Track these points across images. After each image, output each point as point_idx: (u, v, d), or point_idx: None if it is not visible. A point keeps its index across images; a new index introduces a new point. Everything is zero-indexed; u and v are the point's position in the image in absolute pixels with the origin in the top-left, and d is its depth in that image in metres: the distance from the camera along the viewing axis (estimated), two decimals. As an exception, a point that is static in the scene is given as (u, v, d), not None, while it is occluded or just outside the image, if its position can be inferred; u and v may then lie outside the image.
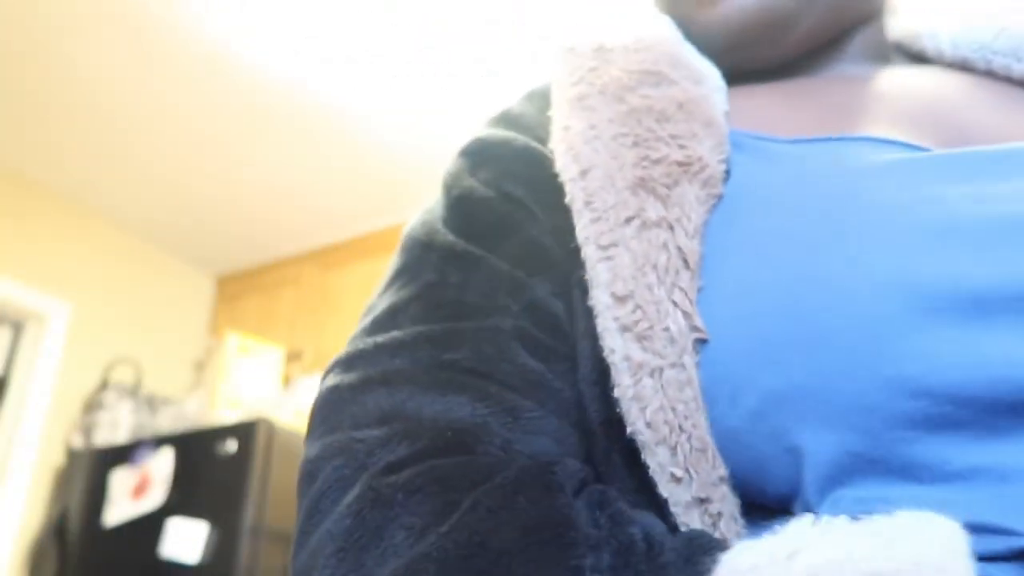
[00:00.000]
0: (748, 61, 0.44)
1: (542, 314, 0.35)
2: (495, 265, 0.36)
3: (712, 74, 0.41)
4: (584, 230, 0.34)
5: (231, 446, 2.20)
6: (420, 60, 2.31)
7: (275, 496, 2.18)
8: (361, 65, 2.32)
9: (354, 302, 2.94)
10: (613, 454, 0.32)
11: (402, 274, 0.37)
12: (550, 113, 0.41)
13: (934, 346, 0.27)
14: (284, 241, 3.22)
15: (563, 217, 0.36)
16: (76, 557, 2.33)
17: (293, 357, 2.91)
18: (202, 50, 2.27)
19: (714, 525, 0.30)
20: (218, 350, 2.61)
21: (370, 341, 0.34)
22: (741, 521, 0.31)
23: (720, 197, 0.35)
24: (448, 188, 0.41)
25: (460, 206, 0.39)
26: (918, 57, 0.47)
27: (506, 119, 0.43)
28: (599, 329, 0.32)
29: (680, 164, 0.35)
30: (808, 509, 0.29)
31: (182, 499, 2.20)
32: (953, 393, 0.26)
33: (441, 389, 0.32)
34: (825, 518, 0.24)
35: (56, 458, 2.70)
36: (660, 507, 0.31)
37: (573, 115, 0.38)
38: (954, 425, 0.26)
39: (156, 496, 2.24)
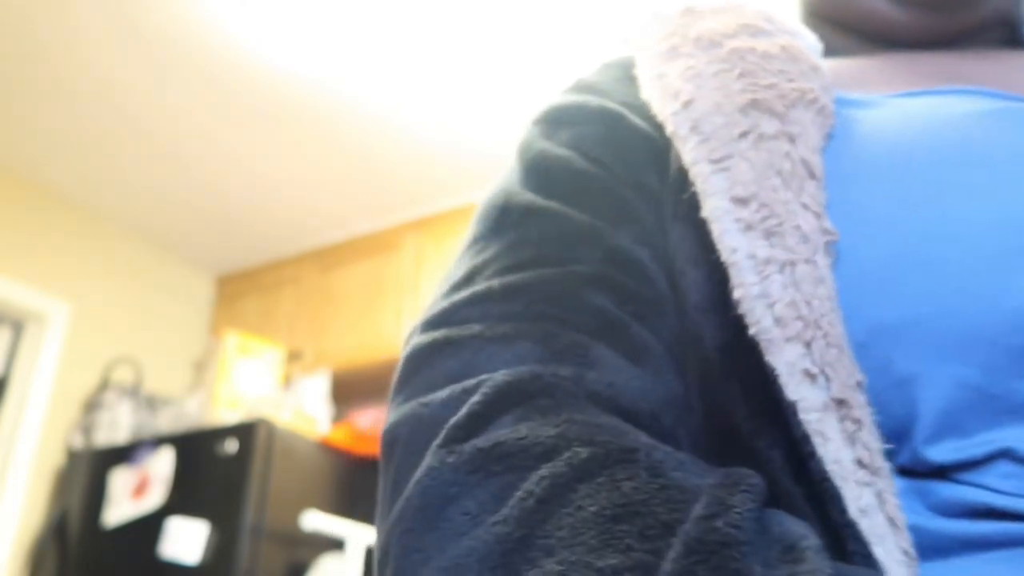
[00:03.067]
0: (926, 26, 0.42)
1: (625, 260, 0.34)
2: (574, 217, 0.35)
3: (806, 34, 0.40)
4: (692, 152, 0.33)
5: (231, 446, 2.20)
6: (423, 60, 2.31)
7: (275, 496, 2.18)
8: (362, 65, 2.32)
9: (354, 302, 2.94)
10: (731, 381, 0.31)
11: (479, 240, 0.37)
12: (634, 72, 0.40)
13: None
14: (284, 241, 3.22)
15: (642, 170, 0.36)
16: (76, 557, 2.33)
17: (293, 357, 2.91)
18: (203, 50, 2.27)
19: (853, 438, 0.27)
20: (218, 350, 2.61)
21: (447, 301, 0.34)
22: (879, 437, 0.28)
23: (832, 130, 0.34)
24: (522, 154, 0.40)
25: (537, 167, 0.38)
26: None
27: (580, 86, 0.43)
28: (716, 235, 0.30)
29: (793, 91, 0.34)
30: (919, 457, 0.28)
31: (182, 499, 2.20)
32: None
33: (507, 340, 0.31)
34: None
35: (56, 458, 2.70)
36: (781, 427, 0.29)
37: (665, 64, 0.38)
38: None
39: (156, 496, 2.24)
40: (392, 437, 0.31)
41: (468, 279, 0.35)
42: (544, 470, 0.25)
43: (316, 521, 2.20)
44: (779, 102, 0.34)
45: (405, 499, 0.28)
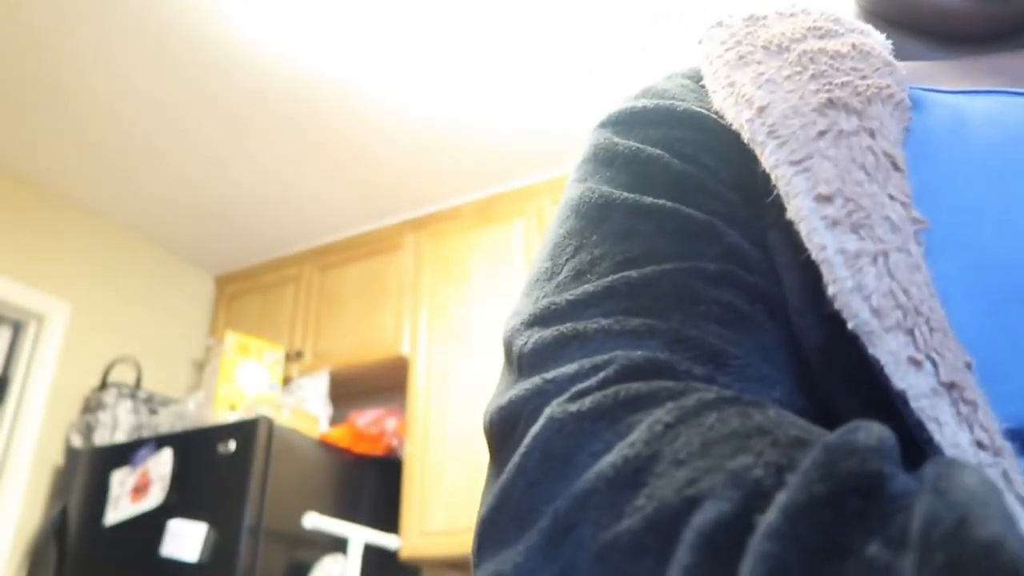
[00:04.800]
0: (980, 14, 0.43)
1: (746, 257, 0.34)
2: (688, 213, 0.34)
3: (876, 33, 0.40)
4: (771, 156, 0.33)
5: (231, 446, 2.20)
6: (424, 61, 2.31)
7: (274, 496, 2.18)
8: (363, 66, 2.32)
9: (354, 302, 2.94)
10: (833, 379, 0.31)
11: (574, 235, 0.36)
12: (702, 83, 0.40)
13: None
14: (284, 241, 3.22)
15: (740, 172, 0.36)
16: (75, 556, 2.33)
17: (293, 357, 2.91)
18: (203, 51, 2.27)
19: (969, 420, 0.27)
20: (218, 350, 2.61)
21: (559, 298, 0.33)
22: (999, 418, 0.27)
23: (910, 123, 0.34)
24: (604, 155, 0.39)
25: (632, 166, 0.37)
26: None
27: (651, 93, 0.42)
28: (804, 234, 0.30)
29: (869, 87, 0.34)
30: None
31: (182, 499, 2.20)
32: None
33: (636, 334, 0.30)
34: None
35: (56, 457, 2.70)
36: (892, 419, 0.28)
37: (735, 72, 0.37)
38: None
39: (156, 496, 2.24)
40: (511, 414, 0.30)
41: (577, 276, 0.34)
42: (671, 404, 0.25)
43: (317, 521, 2.20)
44: (856, 99, 0.33)
45: (523, 454, 0.27)
